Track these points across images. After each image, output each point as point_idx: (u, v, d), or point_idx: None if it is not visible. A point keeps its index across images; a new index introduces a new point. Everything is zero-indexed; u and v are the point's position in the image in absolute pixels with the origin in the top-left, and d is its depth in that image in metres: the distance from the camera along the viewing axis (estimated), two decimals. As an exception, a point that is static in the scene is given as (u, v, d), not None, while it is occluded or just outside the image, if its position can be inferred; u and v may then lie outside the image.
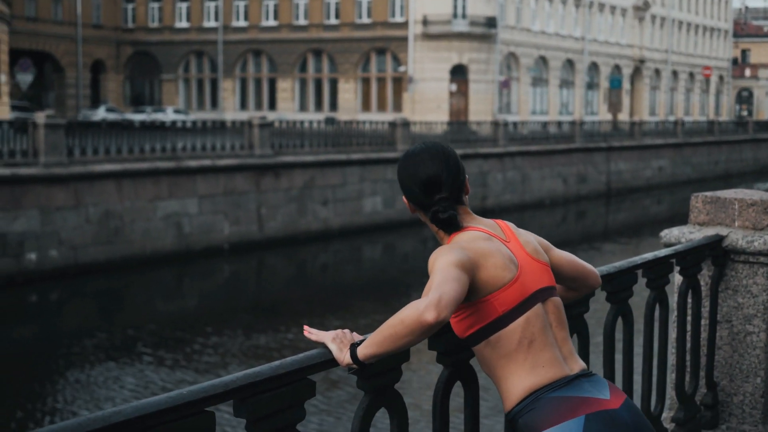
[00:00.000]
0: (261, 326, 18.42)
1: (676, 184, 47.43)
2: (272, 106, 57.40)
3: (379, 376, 2.43)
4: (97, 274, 21.98)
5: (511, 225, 2.70)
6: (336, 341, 2.38)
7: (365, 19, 55.09)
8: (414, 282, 22.51)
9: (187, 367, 15.40)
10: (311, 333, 2.46)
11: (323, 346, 2.39)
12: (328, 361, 2.34)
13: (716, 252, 4.20)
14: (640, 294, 3.72)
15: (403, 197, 2.71)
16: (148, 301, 21.80)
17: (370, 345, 2.33)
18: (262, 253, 26.15)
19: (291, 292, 22.93)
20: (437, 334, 2.62)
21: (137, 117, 46.42)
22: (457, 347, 2.67)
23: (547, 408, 2.46)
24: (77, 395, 14.01)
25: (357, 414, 2.39)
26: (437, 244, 2.64)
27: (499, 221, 2.70)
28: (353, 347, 2.35)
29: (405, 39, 53.13)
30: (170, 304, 21.82)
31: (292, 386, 2.19)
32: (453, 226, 2.61)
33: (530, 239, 2.69)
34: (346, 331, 2.43)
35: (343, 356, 2.35)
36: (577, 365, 2.60)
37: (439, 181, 2.63)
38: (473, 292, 2.49)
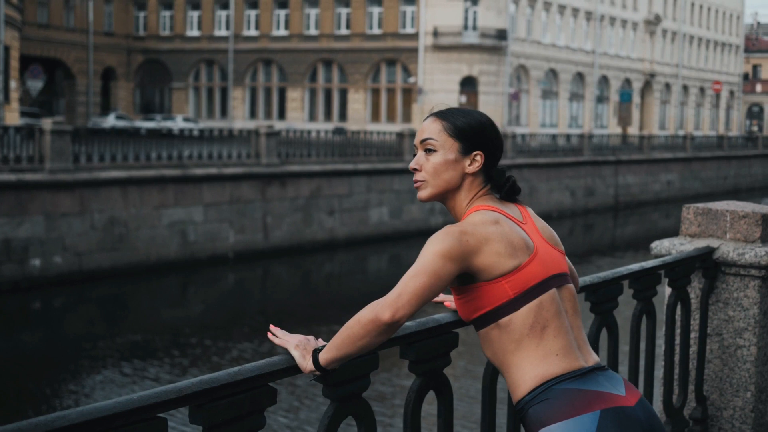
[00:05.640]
0: (265, 336, 18.33)
1: (684, 198, 47.20)
2: (282, 115, 57.46)
3: (345, 384, 2.37)
4: (102, 281, 21.97)
5: (530, 210, 2.63)
6: (299, 348, 2.32)
7: (376, 30, 55.15)
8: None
9: (189, 374, 15.35)
10: (276, 335, 2.40)
11: (287, 351, 2.34)
12: (291, 368, 2.28)
13: (707, 264, 4.14)
14: (626, 305, 3.66)
15: (479, 155, 2.54)
16: (151, 308, 21.77)
17: (330, 349, 2.28)
18: (267, 262, 26.11)
19: (295, 301, 22.88)
20: (409, 342, 2.57)
21: (147, 125, 46.51)
22: (429, 356, 2.62)
23: (561, 399, 2.37)
24: (78, 402, 13.97)
25: (322, 423, 2.33)
26: None
27: (519, 206, 2.61)
28: (315, 353, 2.30)
29: (415, 50, 53.16)
30: (174, 312, 21.78)
31: (252, 393, 2.14)
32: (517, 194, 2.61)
33: (547, 226, 2.62)
34: (311, 337, 2.37)
35: (306, 363, 2.29)
36: (592, 357, 2.50)
37: None
38: (476, 276, 2.41)
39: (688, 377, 4.16)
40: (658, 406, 4.16)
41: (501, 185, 2.57)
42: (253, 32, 58.81)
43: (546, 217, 36.93)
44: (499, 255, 2.39)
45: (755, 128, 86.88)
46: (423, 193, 2.56)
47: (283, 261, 26.44)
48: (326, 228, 28.02)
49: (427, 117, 2.59)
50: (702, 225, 4.31)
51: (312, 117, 57.04)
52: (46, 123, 22.02)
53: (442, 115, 2.57)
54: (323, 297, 23.50)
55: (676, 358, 4.10)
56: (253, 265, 25.63)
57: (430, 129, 2.55)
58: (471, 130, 2.53)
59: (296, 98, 57.46)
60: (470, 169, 2.54)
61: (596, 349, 3.47)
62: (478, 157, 2.54)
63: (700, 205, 4.37)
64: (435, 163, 2.53)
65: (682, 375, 4.11)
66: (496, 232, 2.42)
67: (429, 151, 2.54)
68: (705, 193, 49.14)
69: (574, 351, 2.45)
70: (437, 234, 2.38)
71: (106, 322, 20.33)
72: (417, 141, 2.58)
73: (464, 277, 2.42)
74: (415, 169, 2.56)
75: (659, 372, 4.12)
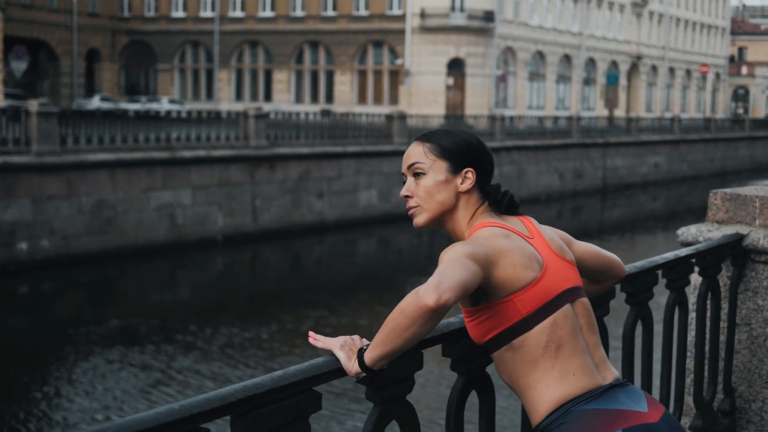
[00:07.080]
0: (254, 320, 18.22)
1: (672, 180, 47.32)
2: (268, 97, 57.14)
3: (390, 387, 2.21)
4: (89, 265, 21.75)
5: (534, 220, 2.50)
6: (344, 348, 2.16)
7: (362, 11, 54.84)
8: (409, 276, 22.32)
9: (178, 361, 15.19)
10: (317, 340, 2.24)
11: (330, 353, 2.19)
12: (336, 371, 2.11)
13: (736, 252, 4.00)
14: (658, 295, 3.53)
15: (470, 171, 2.44)
16: (140, 292, 21.58)
17: (376, 345, 2.12)
18: (256, 246, 25.94)
19: (285, 285, 22.73)
20: (452, 340, 2.43)
21: (132, 106, 46.13)
22: (472, 354, 2.47)
23: (580, 421, 2.25)
24: (66, 388, 13.80)
25: (366, 428, 2.17)
26: (440, 238, 2.43)
27: (522, 217, 2.49)
28: (360, 353, 2.15)
29: (402, 32, 52.88)
30: (162, 296, 21.60)
31: (296, 399, 1.97)
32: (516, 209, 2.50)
33: (554, 236, 2.49)
34: (356, 337, 2.21)
35: (352, 365, 2.13)
36: (611, 374, 2.39)
37: None
38: (491, 293, 2.28)
39: (717, 368, 4.02)
40: (687, 398, 4.02)
41: (499, 201, 2.47)
42: (239, 13, 58.40)
43: (535, 199, 36.89)
44: (515, 267, 2.28)
45: (741, 111, 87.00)
46: (419, 219, 2.47)
47: (272, 244, 26.27)
48: (315, 211, 27.85)
49: (411, 143, 2.51)
50: (730, 211, 4.16)
51: (298, 99, 56.74)
52: (33, 105, 21.72)
53: (425, 137, 2.50)
54: (312, 280, 23.34)
55: (706, 348, 3.96)
56: (241, 248, 25.45)
57: (415, 153, 2.47)
58: (458, 148, 2.46)
59: (282, 80, 57.14)
60: (463, 187, 2.45)
61: (632, 341, 3.34)
62: (470, 174, 2.45)
63: (728, 190, 4.23)
64: (426, 185, 2.44)
65: (711, 366, 3.98)
66: (510, 244, 2.32)
67: (418, 175, 2.46)
68: (692, 175, 49.19)
69: (592, 369, 2.35)
70: (451, 246, 2.26)
71: (93, 307, 20.14)
72: (404, 168, 2.49)
73: (475, 297, 2.31)
74: (407, 196, 2.46)
75: (690, 363, 3.98)
